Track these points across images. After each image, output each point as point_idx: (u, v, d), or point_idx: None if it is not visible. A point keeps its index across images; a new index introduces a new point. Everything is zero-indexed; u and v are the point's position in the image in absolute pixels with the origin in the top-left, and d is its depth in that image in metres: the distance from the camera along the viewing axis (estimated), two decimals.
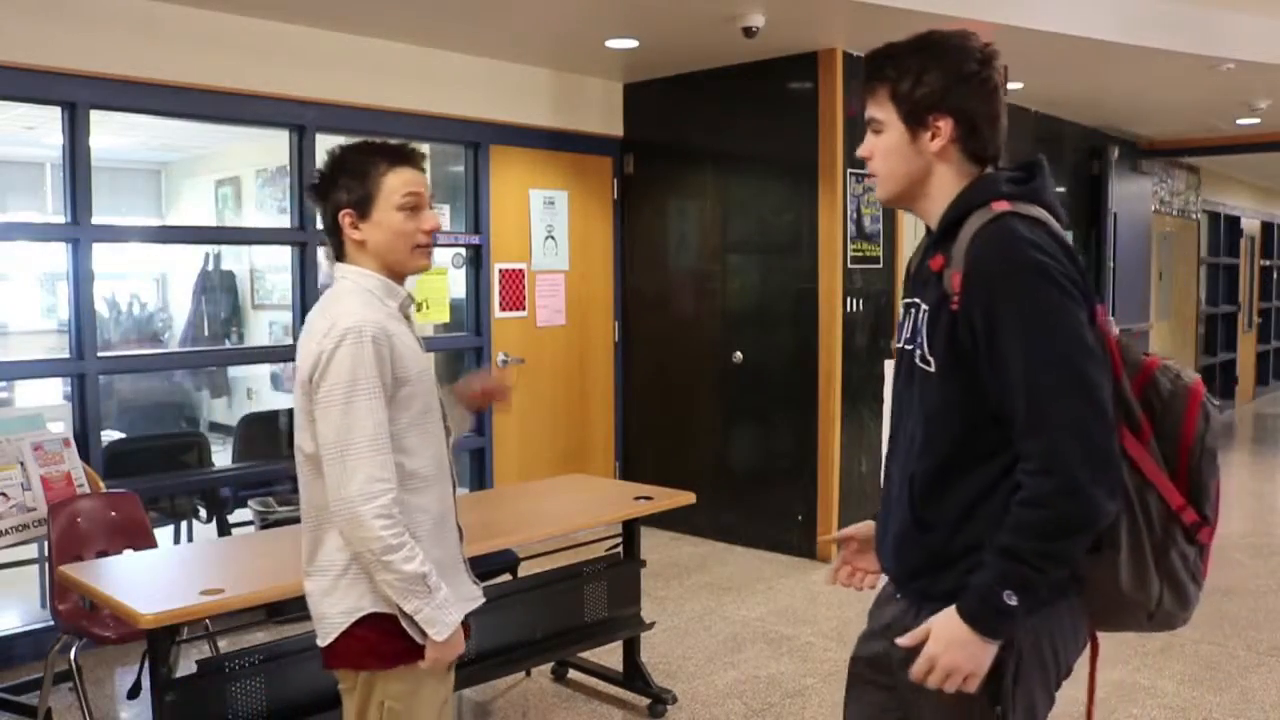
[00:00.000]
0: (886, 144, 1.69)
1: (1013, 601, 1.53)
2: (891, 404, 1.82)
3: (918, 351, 1.68)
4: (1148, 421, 1.63)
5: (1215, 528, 1.65)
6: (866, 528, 1.94)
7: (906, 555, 1.72)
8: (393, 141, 2.09)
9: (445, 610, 1.98)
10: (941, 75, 1.63)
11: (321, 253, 5.10)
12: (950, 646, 1.57)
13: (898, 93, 1.65)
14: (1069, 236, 1.67)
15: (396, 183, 2.01)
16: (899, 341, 1.78)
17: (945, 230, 1.65)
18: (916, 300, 1.72)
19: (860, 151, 1.75)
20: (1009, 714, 1.62)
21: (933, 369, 1.65)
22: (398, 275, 2.07)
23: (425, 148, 2.26)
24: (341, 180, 2.01)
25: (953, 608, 1.59)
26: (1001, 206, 1.59)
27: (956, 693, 1.60)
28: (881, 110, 1.68)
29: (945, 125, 1.64)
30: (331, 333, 1.92)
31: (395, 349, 1.96)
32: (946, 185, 1.68)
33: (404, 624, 1.96)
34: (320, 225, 2.10)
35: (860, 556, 1.96)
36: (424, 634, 1.97)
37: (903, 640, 1.65)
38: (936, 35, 1.67)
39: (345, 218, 2.01)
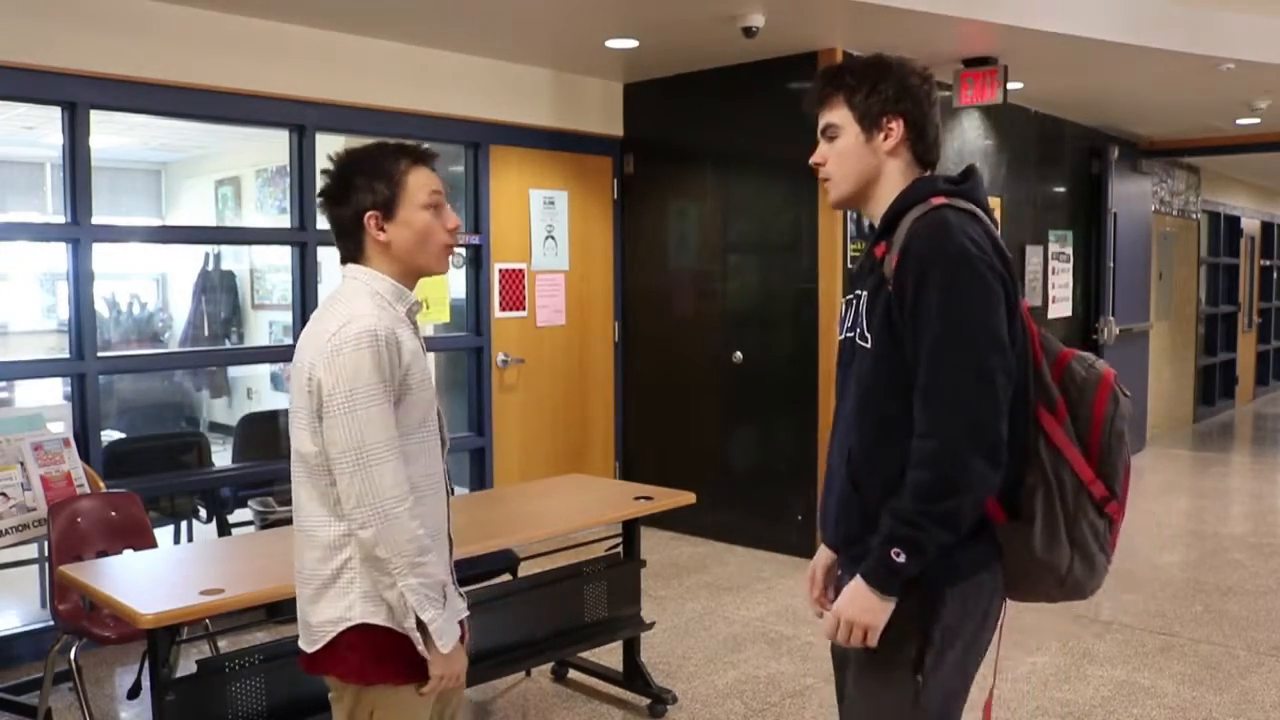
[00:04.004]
0: (842, 147, 1.87)
1: (901, 559, 1.68)
2: (835, 390, 1.96)
3: (857, 332, 1.84)
4: (1064, 403, 1.80)
5: (1124, 505, 1.82)
6: (821, 555, 2.06)
7: (843, 522, 1.85)
8: (408, 142, 2.05)
9: (452, 624, 1.96)
10: (893, 85, 1.83)
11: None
12: (851, 603, 1.74)
13: (854, 99, 1.85)
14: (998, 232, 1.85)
15: (419, 181, 1.98)
16: (841, 333, 1.94)
17: (888, 223, 1.83)
18: (858, 291, 1.88)
19: (813, 159, 1.93)
20: (928, 682, 1.76)
21: (869, 346, 1.80)
22: (416, 276, 2.04)
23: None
24: (360, 181, 1.96)
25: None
26: (938, 201, 1.78)
27: (881, 663, 1.77)
28: (838, 115, 1.87)
29: (897, 126, 1.84)
30: (342, 333, 1.87)
31: (403, 356, 1.93)
32: (894, 184, 1.86)
33: (415, 635, 1.91)
34: (329, 226, 2.04)
35: (827, 580, 2.08)
36: (426, 648, 1.93)
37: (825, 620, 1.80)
38: (886, 56, 1.88)
39: (371, 220, 1.96)
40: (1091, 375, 1.81)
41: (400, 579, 1.87)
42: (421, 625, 1.91)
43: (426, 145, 2.07)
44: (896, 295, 1.74)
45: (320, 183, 2.04)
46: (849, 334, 1.88)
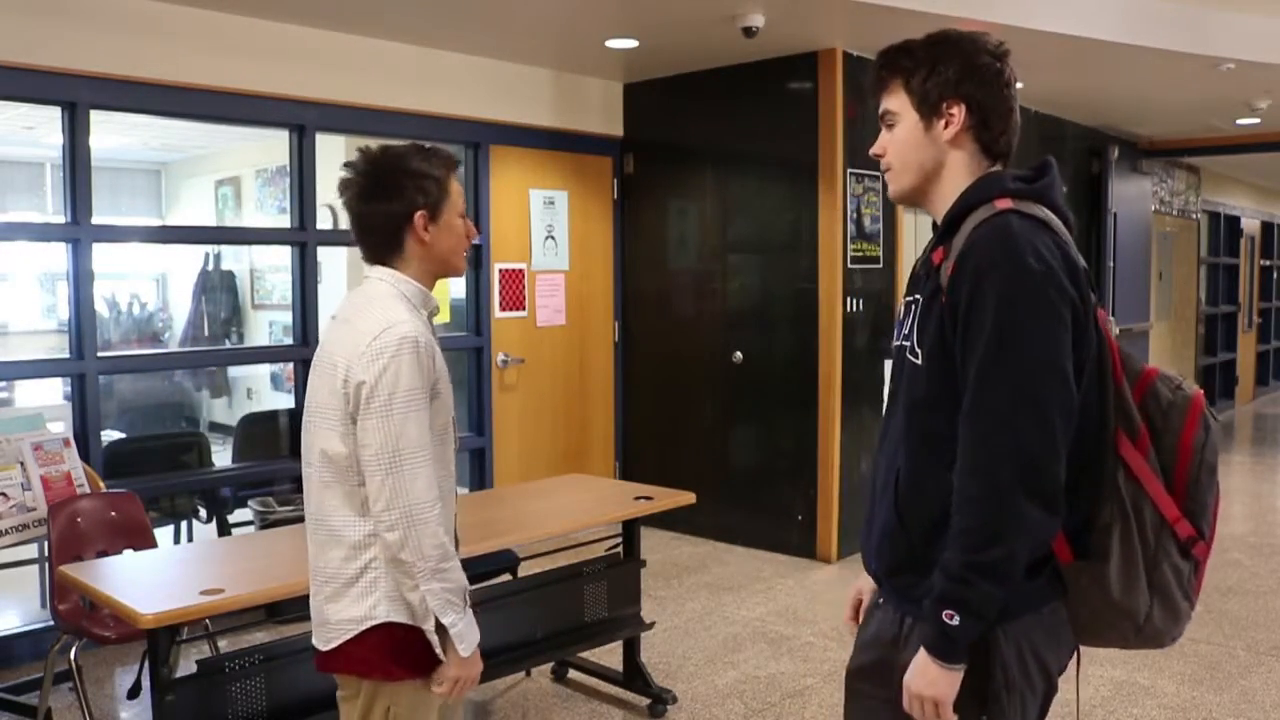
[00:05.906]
0: (900, 136, 1.69)
1: (954, 622, 1.51)
2: (887, 400, 1.81)
3: (909, 343, 1.67)
4: (1147, 431, 1.59)
5: (1212, 545, 1.61)
6: (864, 581, 1.91)
7: (888, 552, 1.71)
8: (442, 149, 2.08)
9: (473, 628, 1.98)
10: (955, 66, 1.64)
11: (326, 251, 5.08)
12: (916, 676, 1.58)
13: (912, 83, 1.66)
14: (1072, 237, 1.64)
15: (457, 189, 2.05)
16: (896, 339, 1.76)
17: (949, 225, 1.64)
18: (916, 296, 1.70)
19: (873, 150, 1.75)
20: None
21: (919, 361, 1.63)
22: (438, 278, 2.09)
23: None
24: (410, 181, 1.97)
25: None
26: (1004, 204, 1.58)
27: None
28: (895, 101, 1.69)
29: (958, 112, 1.64)
30: (384, 337, 1.89)
31: (436, 362, 1.96)
32: (958, 178, 1.66)
33: (433, 638, 1.93)
34: (355, 224, 2.03)
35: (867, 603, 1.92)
36: (444, 651, 1.95)
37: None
38: (951, 32, 1.69)
39: (420, 218, 1.97)
40: (1179, 399, 1.59)
41: (423, 583, 1.89)
42: (441, 628, 1.93)
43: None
44: (950, 309, 1.56)
45: (347, 175, 2.01)
46: (902, 343, 1.70)
